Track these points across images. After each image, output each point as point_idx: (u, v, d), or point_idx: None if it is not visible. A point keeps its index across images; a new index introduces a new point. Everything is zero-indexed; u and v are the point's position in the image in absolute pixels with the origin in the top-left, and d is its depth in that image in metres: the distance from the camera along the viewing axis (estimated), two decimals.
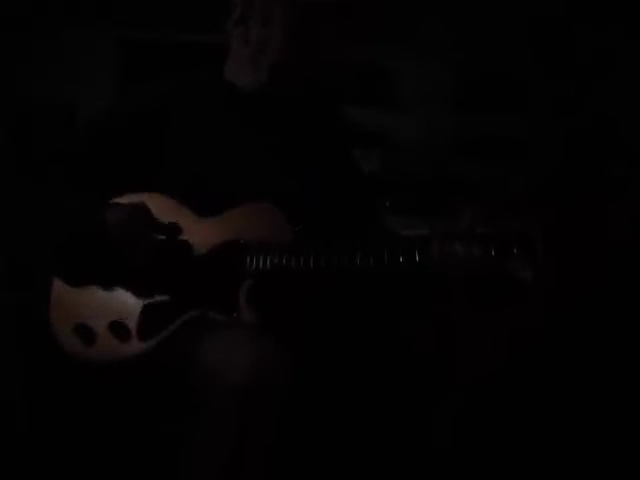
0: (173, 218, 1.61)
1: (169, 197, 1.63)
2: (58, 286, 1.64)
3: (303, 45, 1.62)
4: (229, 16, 1.63)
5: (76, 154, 1.68)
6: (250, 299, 1.53)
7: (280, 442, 1.45)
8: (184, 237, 1.60)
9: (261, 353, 1.41)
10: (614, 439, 2.15)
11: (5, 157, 2.14)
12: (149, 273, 1.58)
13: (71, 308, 1.61)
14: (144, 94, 1.73)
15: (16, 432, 1.82)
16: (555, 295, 2.41)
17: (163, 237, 1.58)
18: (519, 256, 1.42)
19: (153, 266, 1.57)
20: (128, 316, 1.58)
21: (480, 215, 1.53)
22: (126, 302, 1.59)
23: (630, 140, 3.02)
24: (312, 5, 1.62)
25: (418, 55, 3.37)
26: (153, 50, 3.26)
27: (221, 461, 1.41)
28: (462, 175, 3.40)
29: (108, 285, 1.59)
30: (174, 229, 1.59)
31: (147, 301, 1.59)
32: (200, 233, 1.60)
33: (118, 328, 1.57)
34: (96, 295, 1.60)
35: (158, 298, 1.58)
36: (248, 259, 1.54)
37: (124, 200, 1.63)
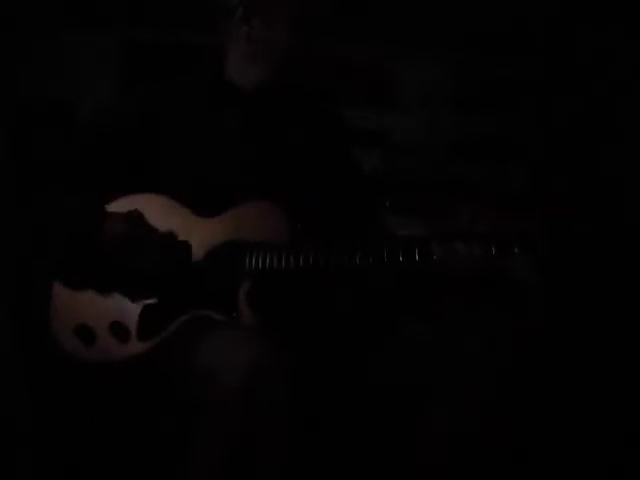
0: (173, 218, 1.61)
1: (169, 197, 1.63)
2: (58, 287, 1.65)
3: (306, 44, 1.63)
4: (228, 16, 1.63)
5: (76, 155, 1.68)
6: (250, 299, 1.53)
7: (280, 442, 1.45)
8: (184, 238, 1.60)
9: (260, 353, 1.41)
10: (614, 439, 2.15)
11: (5, 157, 2.14)
12: (148, 276, 1.58)
13: (72, 309, 1.62)
14: (144, 94, 1.73)
15: (17, 432, 1.82)
16: (556, 294, 2.41)
17: (160, 244, 1.58)
18: (520, 255, 1.42)
19: (152, 270, 1.57)
20: (128, 317, 1.58)
21: (479, 214, 1.52)
22: (126, 303, 1.59)
23: (630, 140, 3.02)
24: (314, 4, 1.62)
25: (418, 55, 3.37)
26: (153, 50, 3.26)
27: (220, 461, 1.41)
28: (462, 175, 3.39)
29: (106, 290, 1.59)
30: (171, 235, 1.59)
31: (146, 302, 1.59)
32: (200, 233, 1.60)
33: (118, 329, 1.57)
34: (96, 296, 1.61)
35: (157, 299, 1.58)
36: (247, 259, 1.54)
37: (124, 201, 1.63)
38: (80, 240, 1.56)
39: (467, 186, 3.36)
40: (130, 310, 1.58)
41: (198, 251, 1.59)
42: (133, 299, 1.59)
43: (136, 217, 1.56)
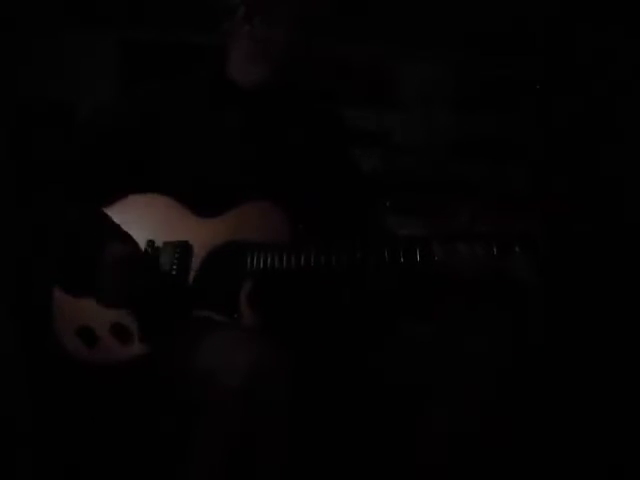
0: (174, 219, 1.61)
1: (170, 198, 1.63)
2: (60, 291, 1.64)
3: (307, 43, 1.63)
4: (230, 15, 1.63)
5: (76, 155, 1.68)
6: (251, 300, 1.53)
7: (280, 443, 1.45)
8: (185, 238, 1.60)
9: (260, 354, 1.41)
10: (614, 439, 2.15)
11: (5, 157, 2.13)
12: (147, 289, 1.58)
13: (73, 310, 1.61)
14: (144, 94, 1.73)
15: (17, 432, 1.82)
16: (556, 294, 2.41)
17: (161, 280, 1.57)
18: (521, 254, 1.42)
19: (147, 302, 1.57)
20: (130, 319, 1.57)
21: (480, 214, 1.53)
22: None
23: (630, 140, 3.02)
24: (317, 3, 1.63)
25: (418, 55, 3.37)
26: (153, 50, 3.26)
27: (220, 462, 1.41)
28: (462, 175, 3.39)
29: (105, 301, 1.58)
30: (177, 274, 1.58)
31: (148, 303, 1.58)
32: (201, 234, 1.60)
33: (120, 330, 1.57)
34: None
35: (159, 300, 1.58)
36: (249, 259, 1.54)
37: (125, 202, 1.63)
38: (80, 251, 1.55)
39: (467, 186, 3.36)
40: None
41: (199, 252, 1.59)
42: (133, 311, 1.58)
43: (140, 257, 1.56)
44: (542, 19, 3.25)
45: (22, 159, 1.78)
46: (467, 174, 3.39)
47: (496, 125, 3.41)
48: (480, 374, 1.59)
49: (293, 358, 1.47)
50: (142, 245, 1.61)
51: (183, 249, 1.59)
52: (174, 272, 1.58)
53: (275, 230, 1.57)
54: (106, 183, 1.65)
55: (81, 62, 3.15)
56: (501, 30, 3.29)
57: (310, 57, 1.67)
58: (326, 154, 1.77)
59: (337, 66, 3.24)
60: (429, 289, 1.71)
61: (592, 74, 3.14)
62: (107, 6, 3.15)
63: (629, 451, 2.10)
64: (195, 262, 1.59)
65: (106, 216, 1.61)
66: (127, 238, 1.56)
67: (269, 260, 1.52)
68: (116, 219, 1.60)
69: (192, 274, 1.58)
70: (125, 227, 1.58)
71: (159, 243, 1.61)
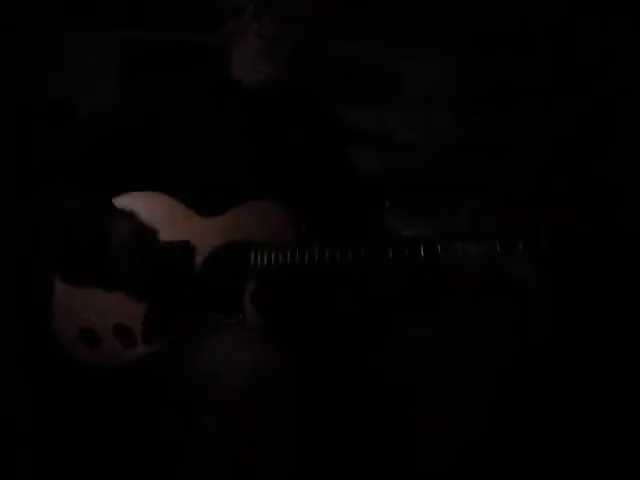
0: (175, 218, 1.61)
1: (172, 197, 1.63)
2: (61, 288, 1.64)
3: (314, 42, 1.63)
4: (238, 14, 1.63)
5: (76, 153, 1.67)
6: (255, 300, 1.52)
7: (282, 445, 1.44)
8: (186, 237, 1.60)
9: (264, 355, 1.41)
10: (615, 439, 2.15)
11: (5, 157, 2.13)
12: (151, 280, 1.57)
13: (75, 311, 1.61)
14: (144, 92, 1.73)
15: (17, 432, 1.82)
16: (557, 294, 2.41)
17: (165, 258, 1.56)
18: (524, 251, 1.41)
19: (154, 277, 1.56)
20: (132, 319, 1.57)
21: (480, 214, 1.52)
22: (130, 306, 1.58)
23: (631, 140, 3.02)
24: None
25: (419, 55, 3.37)
26: (153, 50, 3.26)
27: (222, 463, 1.41)
28: (462, 175, 3.39)
29: (109, 287, 1.58)
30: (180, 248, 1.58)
31: (151, 304, 1.58)
32: (202, 233, 1.60)
33: (123, 331, 1.56)
34: (99, 298, 1.60)
35: (162, 301, 1.58)
36: (252, 256, 1.54)
37: (125, 200, 1.63)
38: (83, 236, 1.55)
39: (467, 186, 3.36)
40: (135, 313, 1.58)
41: (200, 251, 1.59)
42: (140, 299, 1.57)
43: (145, 231, 1.55)
44: (545, 19, 3.25)
45: (22, 159, 1.78)
46: (467, 174, 3.39)
47: (496, 125, 3.40)
48: (481, 374, 1.58)
49: (296, 359, 1.47)
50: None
51: (185, 249, 1.59)
52: (176, 272, 1.58)
53: (277, 229, 1.56)
54: (106, 181, 1.65)
55: (81, 62, 3.15)
56: (503, 30, 3.29)
57: (316, 56, 1.67)
58: (326, 154, 1.77)
59: (340, 65, 3.23)
60: (432, 288, 1.71)
61: (594, 74, 3.13)
62: (107, 6, 3.15)
63: (629, 450, 2.10)
64: (197, 262, 1.59)
65: (106, 197, 1.61)
66: (131, 214, 1.56)
67: (273, 256, 1.52)
68: None
69: (194, 274, 1.58)
70: None
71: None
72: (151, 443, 1.68)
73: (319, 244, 1.51)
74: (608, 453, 2.11)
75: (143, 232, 1.54)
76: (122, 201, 1.63)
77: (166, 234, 1.60)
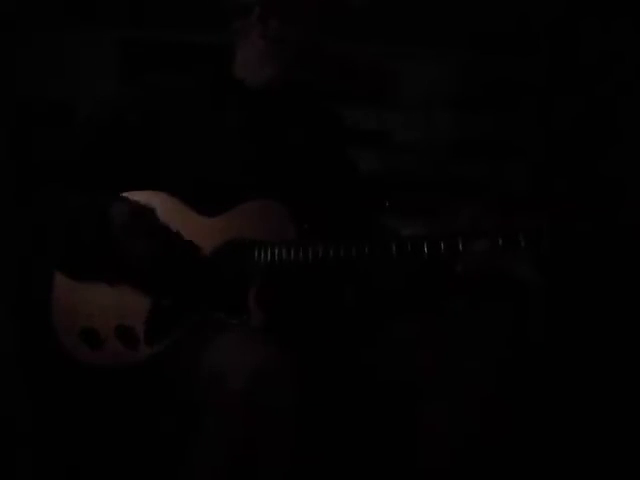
0: (176, 217, 1.60)
1: (173, 196, 1.63)
2: (61, 288, 1.63)
3: (320, 42, 1.64)
4: (243, 15, 1.63)
5: (76, 151, 1.67)
6: (259, 299, 1.52)
7: (284, 447, 1.44)
8: (187, 237, 1.59)
9: (267, 356, 1.40)
10: (615, 438, 2.15)
11: (5, 157, 2.13)
12: (155, 276, 1.57)
13: (77, 312, 1.60)
14: (145, 90, 1.73)
15: (17, 432, 1.82)
16: (558, 293, 2.41)
17: (166, 242, 1.56)
18: (526, 248, 1.41)
19: (157, 269, 1.56)
20: (135, 320, 1.57)
21: (480, 214, 1.52)
22: (132, 306, 1.58)
23: (631, 140, 3.02)
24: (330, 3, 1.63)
25: (419, 55, 3.37)
26: (153, 50, 3.25)
27: (224, 464, 1.41)
28: (462, 175, 3.39)
29: (112, 280, 1.58)
30: (179, 235, 1.58)
31: (154, 304, 1.58)
32: (204, 233, 1.59)
33: (125, 332, 1.56)
34: (101, 294, 1.59)
35: (165, 301, 1.57)
36: (255, 257, 1.54)
37: (129, 197, 1.62)
38: (84, 228, 1.54)
39: (467, 186, 3.36)
40: (137, 313, 1.57)
41: (202, 251, 1.59)
42: (144, 293, 1.57)
43: (146, 211, 1.55)
44: (545, 19, 3.25)
45: (22, 159, 1.78)
46: (467, 174, 3.39)
47: (496, 125, 3.40)
48: (481, 373, 1.58)
49: (299, 360, 1.47)
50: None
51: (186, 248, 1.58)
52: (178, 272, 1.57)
53: (278, 229, 1.56)
54: (106, 180, 1.65)
55: (81, 62, 3.15)
56: (503, 30, 3.29)
57: (320, 57, 1.67)
58: (326, 153, 1.77)
59: (340, 65, 3.23)
60: (434, 287, 1.71)
61: (594, 74, 3.14)
62: (107, 6, 3.15)
63: (629, 449, 2.10)
64: (199, 262, 1.58)
65: (102, 188, 1.60)
66: (127, 198, 1.55)
67: (277, 252, 1.52)
68: None
69: (197, 274, 1.58)
70: None
71: None
72: (152, 443, 1.68)
73: (323, 242, 1.51)
74: (608, 452, 2.11)
75: (142, 211, 1.53)
76: None
77: None
